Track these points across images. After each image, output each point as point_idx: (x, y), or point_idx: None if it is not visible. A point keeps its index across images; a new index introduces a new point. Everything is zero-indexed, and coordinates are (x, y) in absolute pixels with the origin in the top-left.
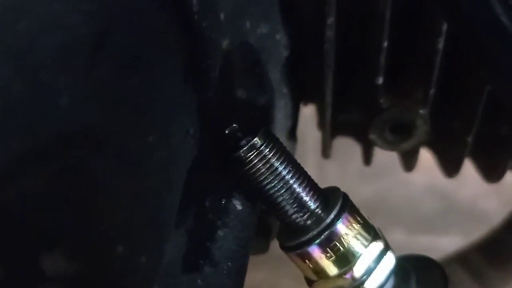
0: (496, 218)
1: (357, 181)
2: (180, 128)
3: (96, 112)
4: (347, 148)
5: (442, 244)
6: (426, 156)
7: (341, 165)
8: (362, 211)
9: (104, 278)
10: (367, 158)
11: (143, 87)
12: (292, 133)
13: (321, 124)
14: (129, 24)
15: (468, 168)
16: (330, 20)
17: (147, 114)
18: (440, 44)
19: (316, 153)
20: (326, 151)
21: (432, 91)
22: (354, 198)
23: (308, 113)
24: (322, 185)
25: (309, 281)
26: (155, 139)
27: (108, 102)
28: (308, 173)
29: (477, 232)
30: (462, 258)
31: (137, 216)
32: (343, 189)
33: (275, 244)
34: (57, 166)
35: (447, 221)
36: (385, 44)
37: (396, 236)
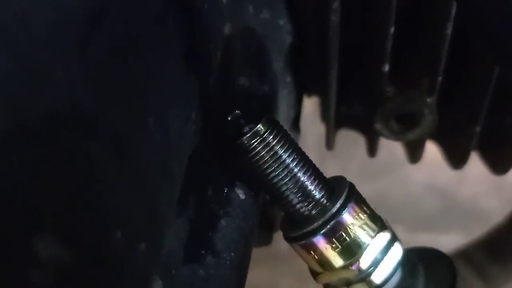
0: (496, 217)
1: (357, 179)
2: (181, 113)
3: (90, 94)
4: (348, 146)
5: (443, 243)
6: (427, 154)
7: (342, 163)
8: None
9: (101, 265)
10: (372, 150)
11: (141, 70)
12: (295, 124)
13: (325, 115)
14: (126, 5)
15: (469, 166)
16: (335, 4)
17: (145, 97)
18: (449, 30)
19: (316, 150)
20: (330, 143)
21: (439, 79)
22: None
23: (308, 110)
24: None
25: (314, 273)
26: (153, 122)
27: (103, 82)
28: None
29: (478, 231)
30: (465, 255)
31: (134, 202)
32: None
33: (275, 244)
34: (47, 146)
35: (447, 219)
36: (392, 29)
37: (396, 234)
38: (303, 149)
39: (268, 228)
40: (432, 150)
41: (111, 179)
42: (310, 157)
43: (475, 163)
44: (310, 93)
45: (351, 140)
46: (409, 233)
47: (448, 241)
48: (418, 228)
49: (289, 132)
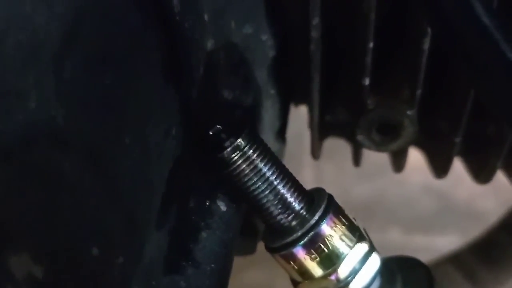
0: (493, 218)
1: (353, 181)
2: (159, 128)
3: (65, 112)
4: (344, 148)
5: (439, 244)
6: (422, 156)
7: (338, 165)
8: (358, 211)
9: (78, 281)
10: (357, 159)
11: (117, 87)
12: (280, 134)
13: (310, 125)
14: (101, 23)
15: (463, 166)
16: (315, 20)
17: (121, 113)
18: (426, 45)
19: None
20: (315, 152)
21: (418, 91)
22: (351, 198)
23: (305, 113)
24: (319, 185)
25: (295, 282)
26: (130, 139)
27: (78, 102)
28: (304, 173)
29: (474, 232)
30: (455, 258)
31: (111, 216)
32: (339, 189)
33: None
34: (18, 165)
35: (443, 220)
36: (371, 44)
37: (392, 235)
38: (300, 152)
39: (252, 237)
40: (419, 152)
41: (85, 196)
42: (306, 160)
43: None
44: (297, 103)
45: (347, 142)
46: (405, 234)
47: (444, 242)
48: (414, 229)
49: (274, 142)
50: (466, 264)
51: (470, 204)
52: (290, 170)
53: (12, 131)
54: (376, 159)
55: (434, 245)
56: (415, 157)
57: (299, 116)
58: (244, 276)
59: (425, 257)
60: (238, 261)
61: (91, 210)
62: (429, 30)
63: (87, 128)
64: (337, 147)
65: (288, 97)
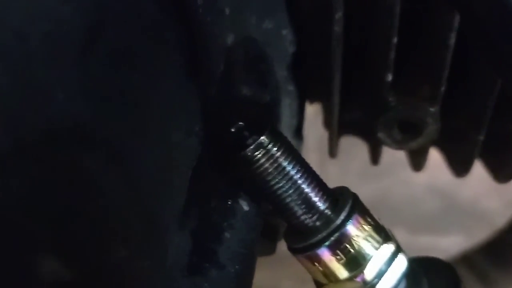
0: (497, 218)
1: (358, 181)
2: (182, 125)
3: (89, 108)
4: (348, 147)
5: (444, 244)
6: (428, 156)
7: (342, 165)
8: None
9: (104, 283)
10: (375, 158)
11: (141, 83)
12: (297, 132)
13: (328, 123)
14: (125, 17)
15: (481, 166)
16: (338, 15)
17: (145, 111)
18: (452, 40)
19: (317, 152)
20: (333, 150)
21: (442, 88)
22: None
23: (308, 112)
24: None
25: (319, 284)
26: (154, 137)
27: (102, 98)
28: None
29: (479, 232)
30: (467, 259)
31: (136, 217)
32: None
33: (278, 245)
34: (46, 164)
35: (448, 220)
36: (395, 39)
37: (397, 235)
38: (304, 151)
39: (271, 238)
40: (433, 151)
41: (111, 195)
42: (310, 159)
43: (476, 165)
44: (312, 100)
45: (352, 142)
46: (410, 234)
47: (449, 243)
48: (419, 229)
49: (292, 140)
50: (477, 265)
51: (474, 204)
52: None
53: (38, 128)
54: (381, 159)
55: (439, 245)
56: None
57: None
58: None
59: None
60: None
61: (116, 210)
62: (456, 24)
63: (111, 125)
64: (342, 147)
65: (304, 94)
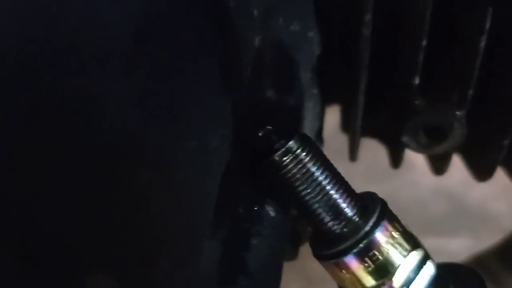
0: (505, 221)
1: (364, 182)
2: (217, 131)
3: (138, 117)
4: None
5: (451, 246)
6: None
7: (349, 167)
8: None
9: None
10: (397, 161)
11: (182, 90)
12: (319, 135)
13: (350, 126)
14: (168, 23)
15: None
16: (367, 17)
17: (188, 118)
18: (482, 44)
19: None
20: (354, 154)
21: (470, 92)
22: None
23: None
24: None
25: None
26: (194, 144)
27: (148, 106)
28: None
29: (486, 234)
30: (479, 262)
31: (179, 228)
32: None
33: None
34: (99, 178)
35: (456, 223)
36: (424, 42)
37: None
38: None
39: (294, 244)
40: (458, 155)
41: (158, 206)
42: None
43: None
44: (332, 103)
45: (384, 143)
46: (417, 236)
47: (456, 245)
48: (426, 231)
49: None
50: (491, 269)
51: (482, 207)
52: None
53: (91, 141)
54: (387, 161)
55: (446, 247)
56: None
57: None
58: None
59: (437, 260)
60: None
61: (162, 221)
62: (487, 27)
63: (159, 135)
64: (347, 149)
65: (326, 97)
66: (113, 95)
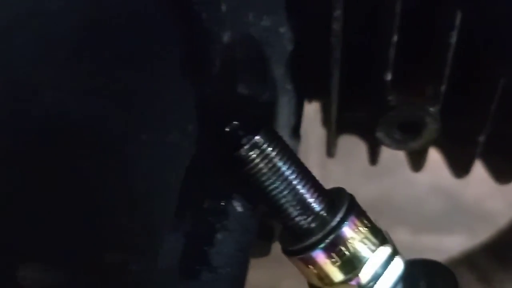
0: (502, 218)
1: (361, 180)
2: (178, 125)
3: (82, 108)
4: (351, 147)
5: (447, 244)
6: (431, 155)
7: (345, 164)
8: (366, 211)
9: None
10: (374, 158)
11: (137, 82)
12: (295, 131)
13: (326, 122)
14: (120, 15)
15: (474, 167)
16: (337, 12)
17: (141, 110)
18: (453, 39)
19: (319, 151)
20: (331, 150)
21: (443, 87)
22: (358, 197)
23: (311, 110)
24: (326, 184)
25: (313, 287)
26: (149, 137)
27: (96, 97)
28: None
29: (483, 232)
30: (469, 260)
31: (129, 220)
32: (347, 188)
33: (276, 244)
34: (34, 166)
35: (452, 221)
36: (395, 38)
37: (400, 236)
38: (306, 150)
39: (266, 239)
40: (436, 151)
41: (106, 197)
42: (312, 158)
43: (480, 165)
44: (311, 99)
45: (354, 141)
46: (413, 234)
47: (452, 243)
48: (422, 229)
49: (290, 139)
50: (480, 266)
51: (478, 204)
52: None
53: (27, 128)
54: (384, 158)
55: (442, 245)
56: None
57: (305, 113)
58: (249, 277)
59: (433, 257)
60: None
61: (110, 213)
62: (457, 22)
63: (104, 124)
64: (344, 146)
65: (302, 93)
66: (53, 83)
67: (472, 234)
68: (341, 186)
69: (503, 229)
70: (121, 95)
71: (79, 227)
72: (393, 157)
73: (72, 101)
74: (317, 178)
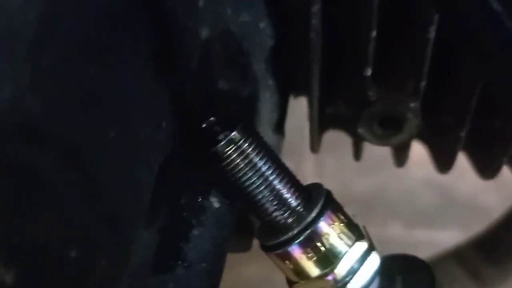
0: (495, 213)
1: (354, 175)
2: (149, 121)
3: (40, 103)
4: (345, 141)
5: (440, 239)
6: (424, 149)
7: (339, 159)
8: (359, 205)
9: (54, 285)
10: (357, 153)
11: (100, 77)
12: (278, 127)
13: (309, 116)
14: (82, 8)
15: (466, 162)
16: (316, 7)
17: (105, 106)
18: (431, 34)
19: None
20: (314, 145)
21: (423, 83)
22: (351, 191)
23: (305, 105)
24: (320, 179)
25: (290, 282)
26: (116, 133)
27: (57, 93)
28: (305, 167)
29: (476, 227)
30: (458, 255)
31: (91, 217)
32: (340, 182)
33: None
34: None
35: (445, 215)
36: (374, 33)
37: (393, 230)
38: (301, 145)
39: (247, 234)
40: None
41: (63, 195)
42: (307, 153)
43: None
44: (296, 94)
45: (348, 136)
46: (406, 228)
47: (446, 237)
48: (416, 223)
49: (272, 135)
50: (469, 261)
51: (472, 199)
52: (290, 164)
53: None
54: (377, 152)
55: (435, 239)
56: (417, 151)
57: (300, 109)
58: (242, 270)
59: (426, 252)
60: (235, 255)
61: (69, 210)
62: (435, 18)
63: (66, 121)
64: (338, 140)
65: (287, 89)
66: (12, 76)
67: (465, 228)
68: (334, 180)
69: (493, 224)
70: (86, 91)
71: (42, 225)
72: (386, 151)
73: (32, 96)
74: (312, 172)
